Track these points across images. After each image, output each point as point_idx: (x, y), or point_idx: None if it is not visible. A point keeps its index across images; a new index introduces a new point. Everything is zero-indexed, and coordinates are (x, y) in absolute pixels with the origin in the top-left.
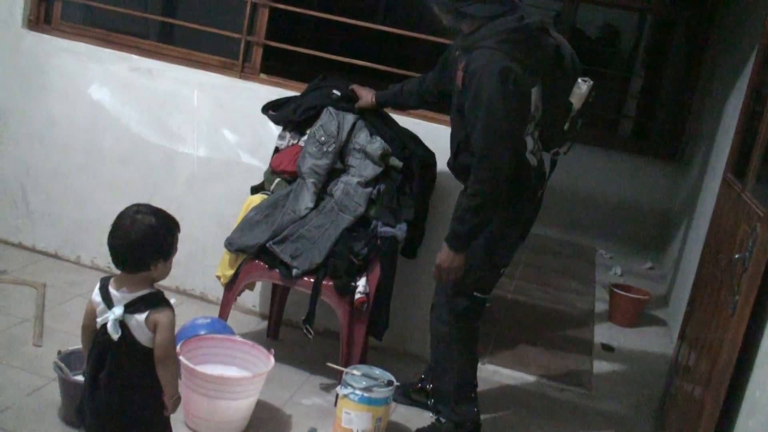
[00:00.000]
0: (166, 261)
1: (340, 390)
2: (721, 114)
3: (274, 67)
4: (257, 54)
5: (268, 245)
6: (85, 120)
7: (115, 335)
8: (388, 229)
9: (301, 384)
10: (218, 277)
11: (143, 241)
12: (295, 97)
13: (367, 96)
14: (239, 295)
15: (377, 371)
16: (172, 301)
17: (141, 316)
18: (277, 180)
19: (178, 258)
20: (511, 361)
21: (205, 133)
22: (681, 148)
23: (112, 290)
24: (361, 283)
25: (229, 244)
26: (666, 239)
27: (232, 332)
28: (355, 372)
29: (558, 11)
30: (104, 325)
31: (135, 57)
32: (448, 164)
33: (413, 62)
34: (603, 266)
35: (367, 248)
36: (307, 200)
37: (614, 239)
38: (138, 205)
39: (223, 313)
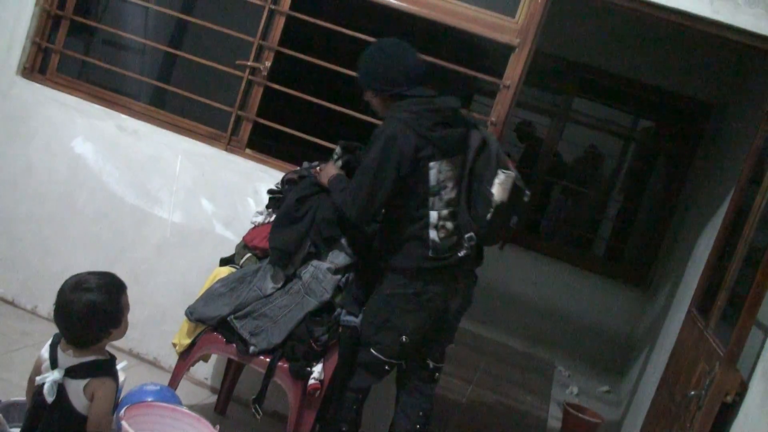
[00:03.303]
0: (118, 327)
1: None
2: (693, 248)
3: (260, 141)
4: (246, 129)
5: (228, 318)
6: (64, 172)
7: (49, 398)
8: (351, 318)
9: None
10: (174, 345)
11: (86, 321)
12: None
13: None
14: (192, 365)
15: None
16: (122, 364)
17: (80, 383)
18: (248, 255)
19: (136, 320)
20: None
21: (182, 200)
22: (650, 275)
23: (59, 350)
24: (317, 369)
25: (190, 312)
26: (626, 364)
27: (179, 402)
28: None
29: (525, 119)
30: (42, 385)
31: (124, 116)
32: None
33: None
34: (560, 383)
35: (328, 335)
36: (275, 279)
37: (575, 357)
38: (77, 277)
39: (174, 382)
